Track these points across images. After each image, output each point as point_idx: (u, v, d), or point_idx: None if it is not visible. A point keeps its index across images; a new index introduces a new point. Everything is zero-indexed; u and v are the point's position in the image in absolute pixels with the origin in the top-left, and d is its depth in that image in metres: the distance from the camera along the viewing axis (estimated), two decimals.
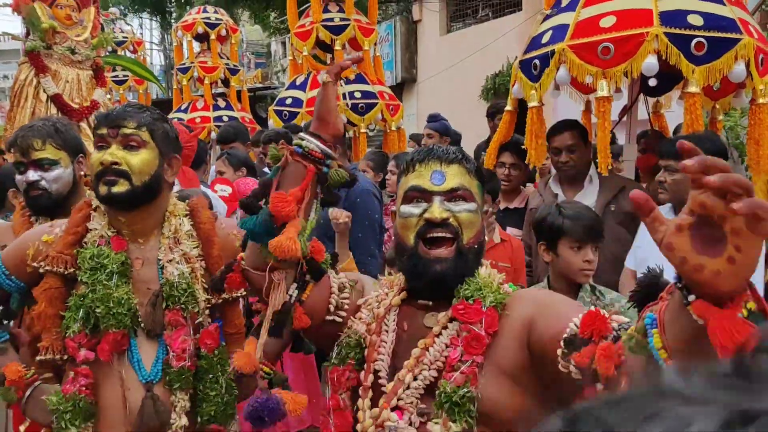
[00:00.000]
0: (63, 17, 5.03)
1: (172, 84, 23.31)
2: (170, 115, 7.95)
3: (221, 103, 7.85)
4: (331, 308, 1.43)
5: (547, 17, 3.51)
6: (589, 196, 3.20)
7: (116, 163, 1.61)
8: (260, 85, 17.75)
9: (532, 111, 3.24)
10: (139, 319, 1.68)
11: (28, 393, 1.70)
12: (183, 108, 7.87)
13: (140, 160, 1.64)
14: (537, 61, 3.25)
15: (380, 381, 1.34)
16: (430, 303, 1.37)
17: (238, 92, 8.13)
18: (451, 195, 1.34)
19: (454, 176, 1.35)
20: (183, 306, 1.68)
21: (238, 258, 1.47)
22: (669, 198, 2.83)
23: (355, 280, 1.50)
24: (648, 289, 1.00)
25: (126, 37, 9.95)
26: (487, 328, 1.27)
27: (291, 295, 1.39)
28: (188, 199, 1.83)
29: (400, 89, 13.04)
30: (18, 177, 2.16)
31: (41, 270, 1.66)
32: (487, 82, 11.00)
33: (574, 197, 3.22)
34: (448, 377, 1.25)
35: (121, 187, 1.62)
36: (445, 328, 1.32)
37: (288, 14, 6.25)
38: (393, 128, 6.13)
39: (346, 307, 1.45)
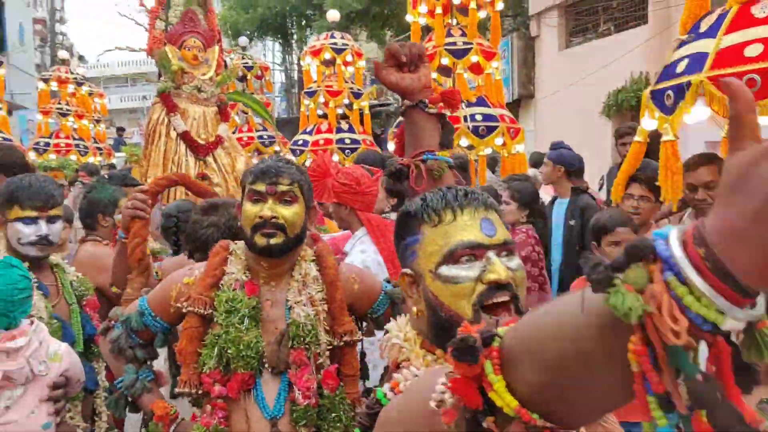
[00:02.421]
0: (190, 58, 5.49)
1: (292, 102, 24.34)
2: (296, 137, 8.37)
3: (344, 125, 8.15)
4: None
5: (682, 44, 3.38)
6: None
7: (275, 218, 1.77)
8: (375, 102, 18.17)
9: (665, 146, 3.13)
10: (264, 358, 1.80)
11: (172, 428, 1.88)
12: (308, 130, 8.24)
13: (293, 214, 1.79)
14: (671, 92, 3.13)
15: None
16: None
17: (361, 114, 8.40)
18: (503, 249, 1.11)
19: (500, 225, 1.13)
20: (307, 346, 1.80)
21: None
22: None
23: None
24: None
25: (254, 63, 10.59)
26: None
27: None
28: (315, 246, 1.97)
29: (516, 106, 12.91)
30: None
31: (184, 310, 1.82)
32: (609, 98, 10.66)
33: None
34: None
35: (278, 239, 1.77)
36: None
37: (411, 39, 6.39)
38: (513, 152, 6.10)
39: None
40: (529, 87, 13.12)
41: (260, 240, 1.77)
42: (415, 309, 1.14)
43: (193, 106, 5.42)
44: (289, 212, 1.78)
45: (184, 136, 5.23)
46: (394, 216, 3.77)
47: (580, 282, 2.96)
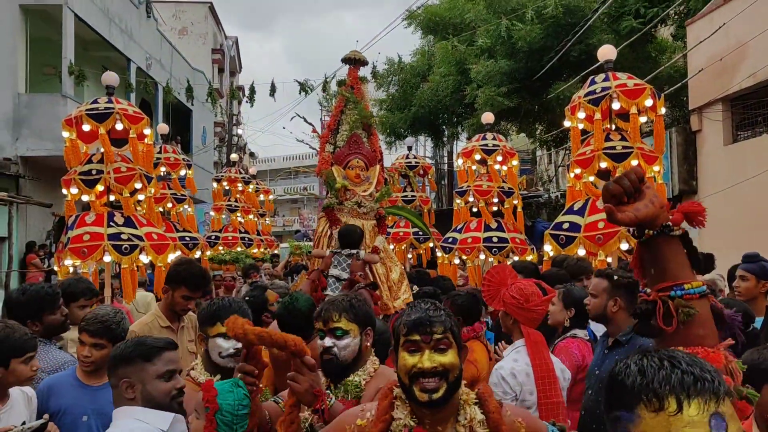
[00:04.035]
0: (353, 176, 5.99)
1: (441, 194, 24.83)
2: (446, 235, 8.52)
3: (493, 224, 8.17)
4: None
5: None
6: None
7: (435, 368, 1.79)
8: (525, 192, 18.07)
9: None
10: None
11: None
12: (458, 228, 8.37)
13: (449, 361, 1.80)
14: None
15: None
16: None
17: (515, 210, 8.40)
18: None
19: (732, 419, 0.99)
20: None
21: None
22: None
23: None
24: None
25: (417, 162, 11.08)
26: None
27: None
28: (477, 388, 1.95)
29: (677, 202, 12.20)
30: (318, 341, 2.52)
31: None
32: None
33: None
34: None
35: (440, 392, 1.78)
36: None
37: (572, 144, 6.39)
38: None
39: None
40: (691, 183, 12.41)
41: (422, 396, 1.78)
42: None
43: (354, 220, 5.81)
44: (446, 359, 1.81)
45: None
46: (579, 333, 3.67)
47: None
